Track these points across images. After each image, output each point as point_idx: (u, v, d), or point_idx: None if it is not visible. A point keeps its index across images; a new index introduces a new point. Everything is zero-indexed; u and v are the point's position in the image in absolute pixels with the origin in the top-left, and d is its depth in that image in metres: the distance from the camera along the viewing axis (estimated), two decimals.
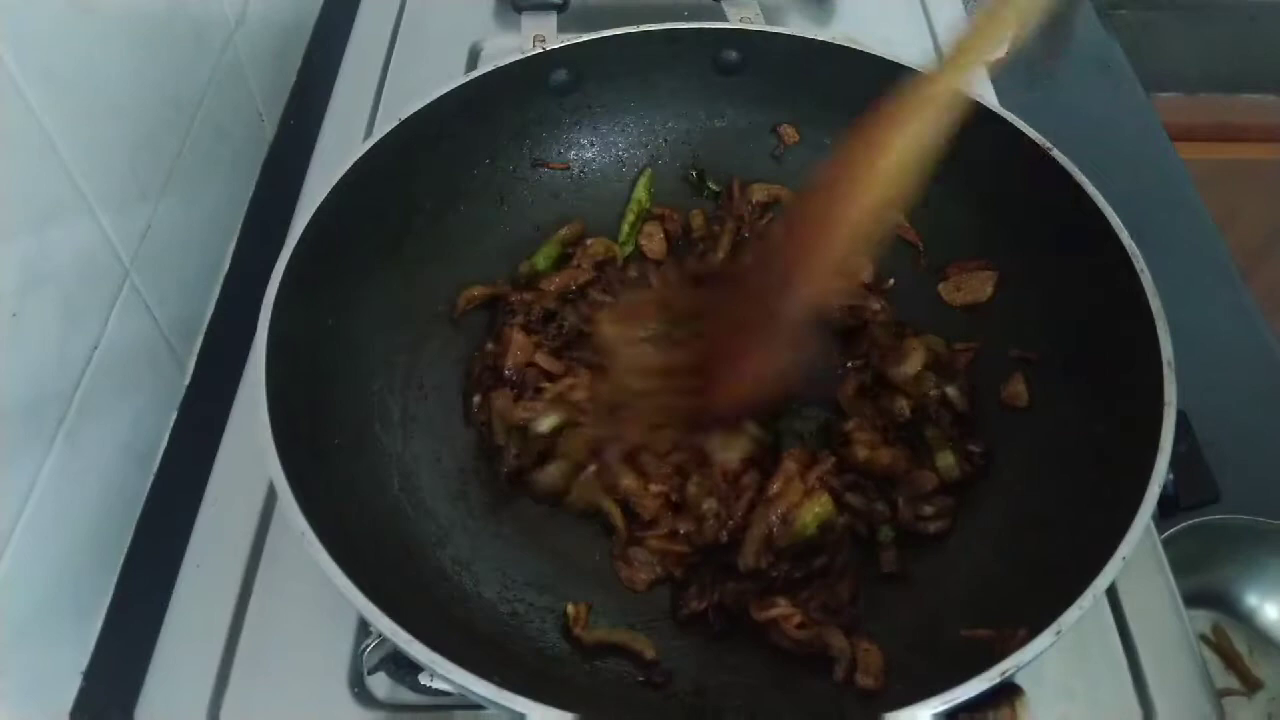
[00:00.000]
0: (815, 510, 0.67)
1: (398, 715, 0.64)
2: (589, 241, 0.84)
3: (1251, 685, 0.88)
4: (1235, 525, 0.87)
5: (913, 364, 0.75)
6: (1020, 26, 0.57)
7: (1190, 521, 0.84)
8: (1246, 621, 0.91)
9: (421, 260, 0.78)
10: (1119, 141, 1.15)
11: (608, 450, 0.71)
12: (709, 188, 0.88)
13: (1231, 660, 0.89)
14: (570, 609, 0.66)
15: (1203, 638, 0.89)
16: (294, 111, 1.06)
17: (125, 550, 0.75)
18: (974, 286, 0.79)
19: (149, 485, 0.78)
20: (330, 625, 0.67)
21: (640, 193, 0.87)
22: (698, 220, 0.86)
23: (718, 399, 0.67)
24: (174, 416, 0.82)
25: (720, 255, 0.84)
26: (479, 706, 0.63)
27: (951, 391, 0.75)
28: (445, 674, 0.51)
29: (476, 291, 0.80)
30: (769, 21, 0.87)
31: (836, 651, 0.62)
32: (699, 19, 0.83)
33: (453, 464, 0.74)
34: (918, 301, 0.81)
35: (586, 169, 0.87)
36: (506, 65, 0.79)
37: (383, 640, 0.57)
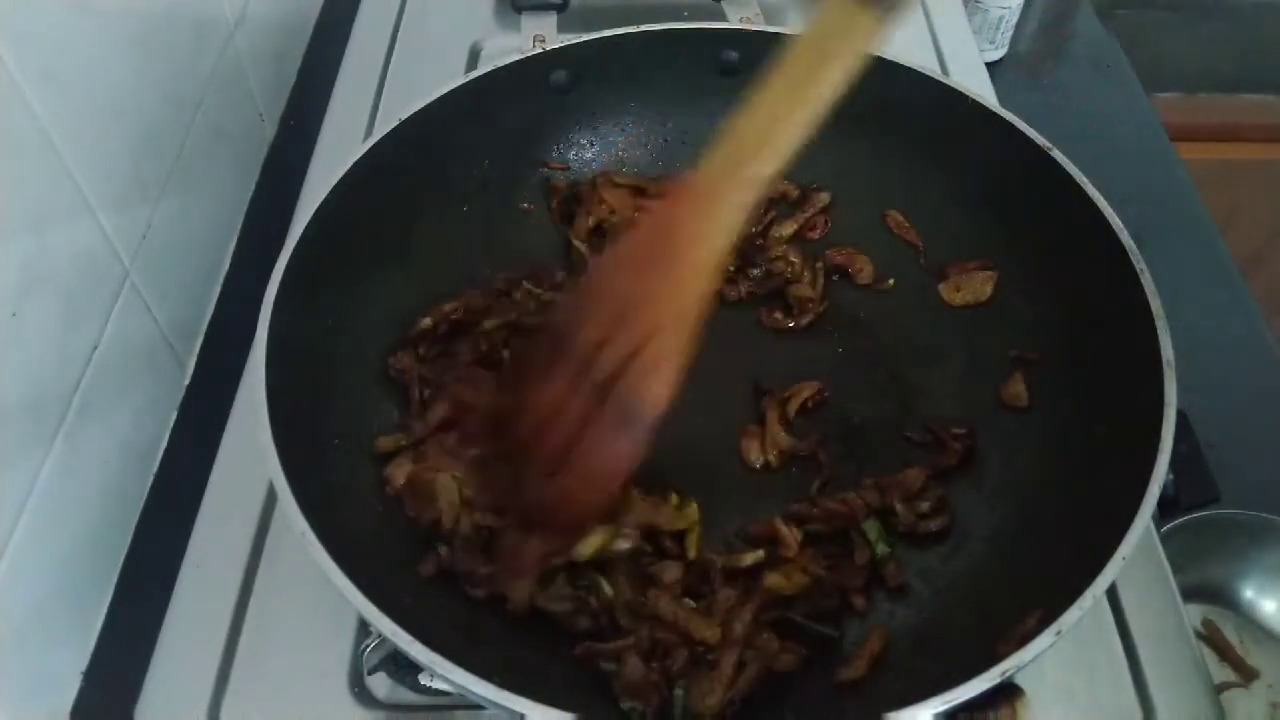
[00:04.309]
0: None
1: (398, 715, 0.64)
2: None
3: (1247, 675, 0.88)
4: (1228, 520, 0.87)
5: None
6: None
7: (1184, 518, 0.84)
8: (1236, 611, 0.91)
9: (421, 260, 0.78)
10: (1119, 141, 1.15)
11: None
12: None
13: (1225, 652, 0.89)
14: None
15: (1194, 631, 0.89)
16: (294, 111, 1.06)
17: (125, 550, 0.75)
18: (974, 286, 0.79)
19: (149, 485, 0.78)
20: (330, 625, 0.67)
21: None
22: None
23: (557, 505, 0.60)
24: (174, 416, 0.82)
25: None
26: (479, 706, 0.63)
27: None
28: (445, 674, 0.51)
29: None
30: (769, 21, 0.87)
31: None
32: (699, 19, 0.83)
33: None
34: (918, 301, 0.81)
35: (586, 169, 0.87)
36: (506, 65, 0.79)
37: (383, 640, 0.57)
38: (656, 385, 0.58)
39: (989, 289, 0.79)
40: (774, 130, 0.59)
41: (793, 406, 0.75)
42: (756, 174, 0.59)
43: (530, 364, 0.63)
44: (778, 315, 0.81)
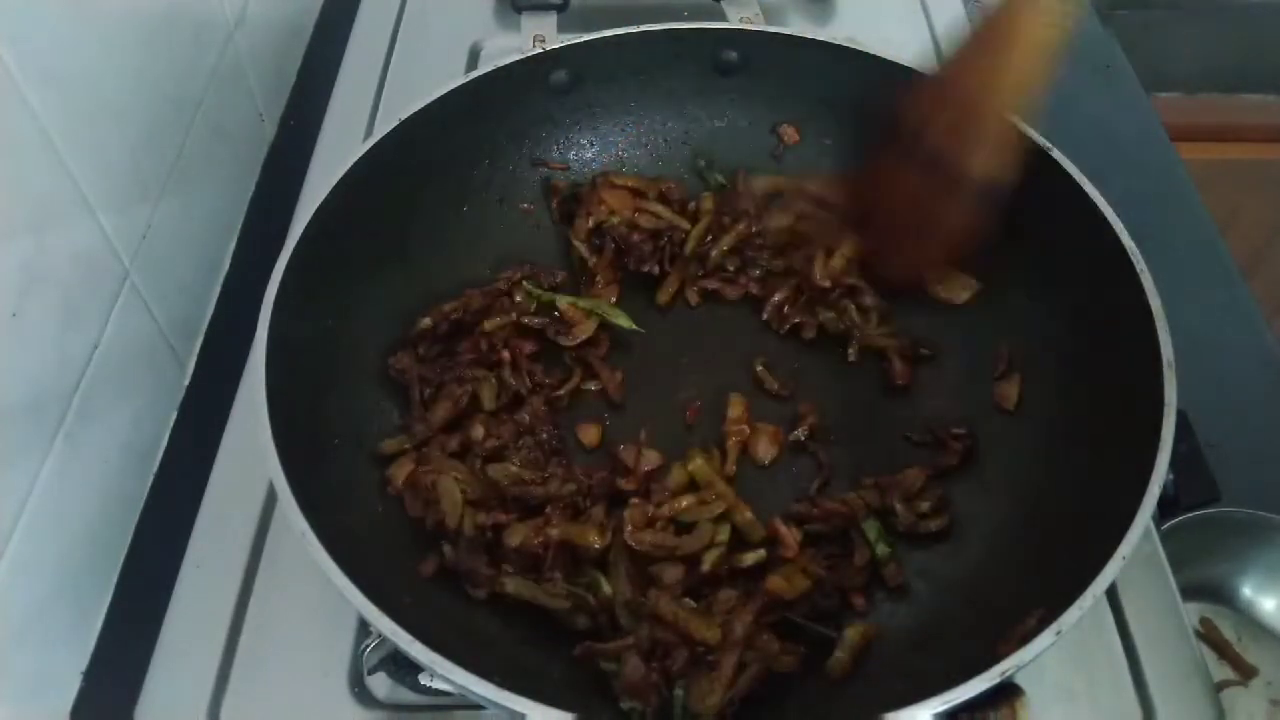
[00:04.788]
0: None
1: (398, 715, 0.64)
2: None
3: (1246, 673, 0.88)
4: (1227, 518, 0.87)
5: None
6: None
7: (1184, 516, 0.84)
8: (1234, 609, 0.91)
9: (421, 260, 0.78)
10: (1119, 141, 1.15)
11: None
12: (716, 178, 0.87)
13: (1223, 650, 0.89)
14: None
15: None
16: (294, 111, 1.06)
17: (125, 550, 0.75)
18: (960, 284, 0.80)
19: (149, 485, 0.78)
20: (330, 625, 0.67)
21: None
22: (707, 204, 0.85)
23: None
24: (174, 416, 0.82)
25: (719, 251, 0.83)
26: (479, 706, 0.63)
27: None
28: (445, 674, 0.51)
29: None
30: (769, 21, 0.87)
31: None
32: (699, 19, 0.83)
33: None
34: (917, 300, 0.81)
35: (586, 169, 0.87)
36: (506, 65, 0.79)
37: (383, 640, 0.57)
38: (983, 152, 0.70)
39: (966, 294, 0.79)
40: None
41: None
42: None
43: (882, 157, 0.75)
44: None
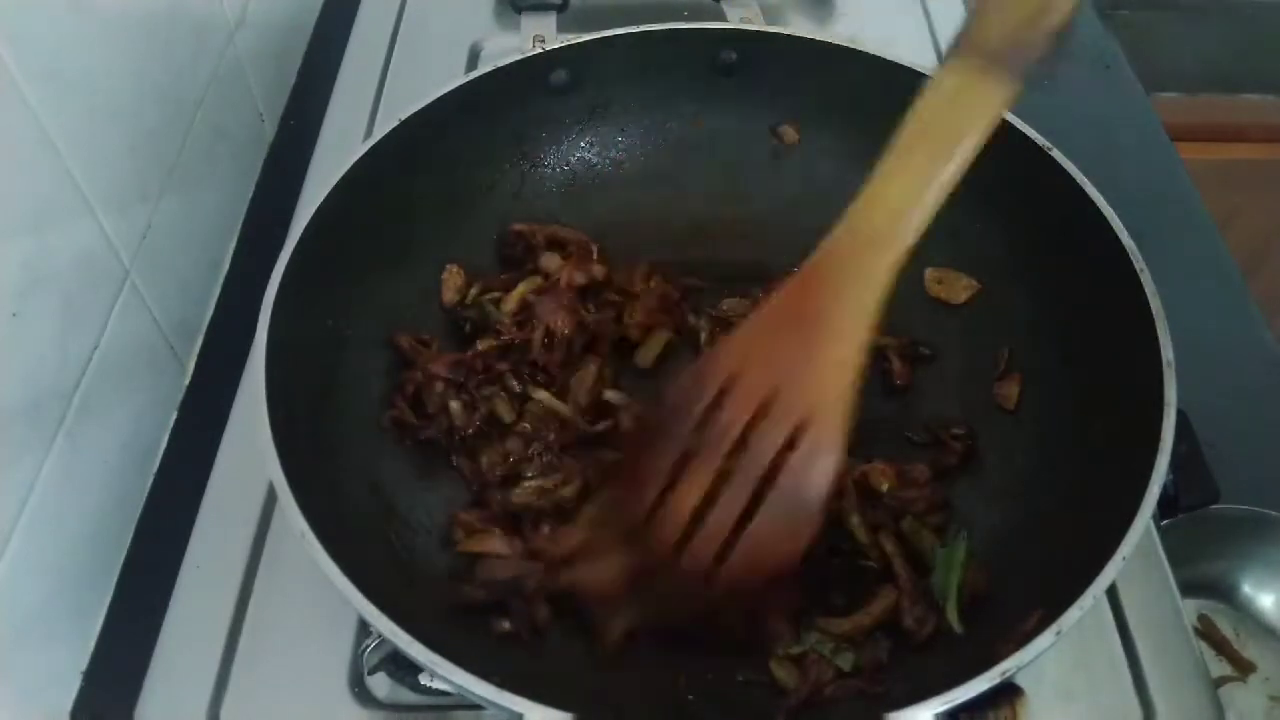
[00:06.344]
0: None
1: (398, 715, 0.64)
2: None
3: (1244, 669, 0.88)
4: (1226, 515, 0.86)
5: None
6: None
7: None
8: (1232, 606, 0.91)
9: (421, 260, 0.78)
10: (1119, 141, 1.15)
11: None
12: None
13: (1221, 647, 0.89)
14: None
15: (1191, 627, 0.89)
16: (294, 111, 1.06)
17: (125, 550, 0.75)
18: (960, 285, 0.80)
19: (149, 485, 0.78)
20: (330, 625, 0.67)
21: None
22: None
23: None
24: (174, 416, 0.82)
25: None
26: (479, 706, 0.62)
27: None
28: (445, 674, 0.51)
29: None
30: (769, 21, 0.87)
31: None
32: (699, 19, 0.83)
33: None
34: (917, 301, 0.81)
35: (586, 169, 0.87)
36: (506, 65, 0.79)
37: (383, 640, 0.57)
38: (821, 472, 0.55)
39: (966, 294, 0.79)
40: (904, 209, 0.56)
41: None
42: (889, 256, 0.56)
43: (654, 455, 0.57)
44: None
